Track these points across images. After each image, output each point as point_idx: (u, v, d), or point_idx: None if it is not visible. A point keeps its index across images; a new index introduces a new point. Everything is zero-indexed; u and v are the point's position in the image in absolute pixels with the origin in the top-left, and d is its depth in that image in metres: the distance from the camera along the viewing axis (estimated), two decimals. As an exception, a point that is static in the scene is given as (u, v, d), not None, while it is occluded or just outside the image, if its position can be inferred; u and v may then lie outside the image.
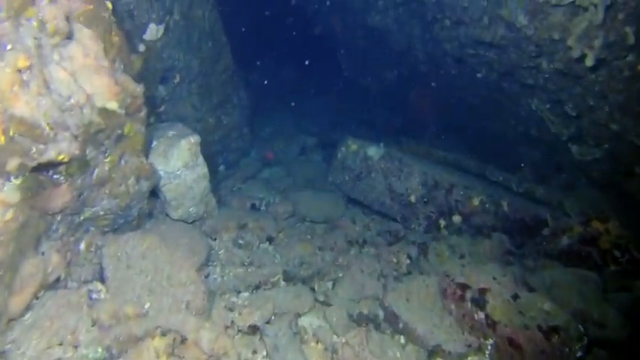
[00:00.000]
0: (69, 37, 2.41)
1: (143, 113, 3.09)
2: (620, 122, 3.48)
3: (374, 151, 5.03)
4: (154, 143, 3.77)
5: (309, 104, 10.31)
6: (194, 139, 3.85)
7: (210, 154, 5.98)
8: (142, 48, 4.24)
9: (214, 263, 3.79)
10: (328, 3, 7.93)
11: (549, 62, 3.62)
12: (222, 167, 6.22)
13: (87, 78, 2.45)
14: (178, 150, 3.77)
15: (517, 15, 3.40)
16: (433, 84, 7.37)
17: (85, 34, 2.44)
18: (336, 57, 10.37)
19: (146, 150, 3.51)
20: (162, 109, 4.85)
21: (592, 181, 4.64)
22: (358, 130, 8.47)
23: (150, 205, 3.90)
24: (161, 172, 3.73)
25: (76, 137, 2.33)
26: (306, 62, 10.23)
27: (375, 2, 6.08)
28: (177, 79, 4.90)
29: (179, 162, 3.78)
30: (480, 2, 3.80)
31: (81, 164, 2.52)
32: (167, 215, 4.02)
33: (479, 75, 5.09)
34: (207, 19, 5.38)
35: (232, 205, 4.88)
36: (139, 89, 2.88)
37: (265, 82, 10.53)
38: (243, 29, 9.59)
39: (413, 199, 4.52)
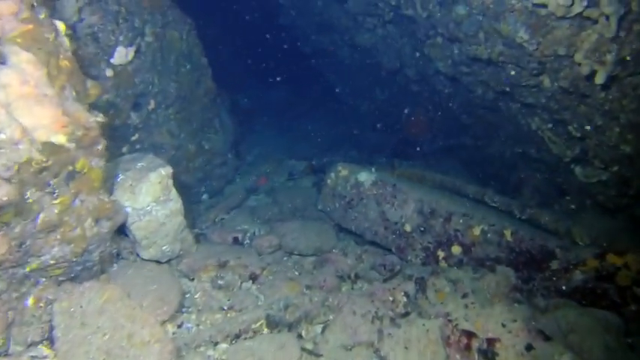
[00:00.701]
0: (2, 61, 2.07)
1: (101, 146, 2.73)
2: (632, 143, 3.18)
3: (365, 177, 4.69)
4: (120, 177, 3.41)
5: (299, 126, 10.03)
6: (165, 171, 3.49)
7: (191, 182, 5.64)
8: (109, 73, 3.92)
9: (190, 309, 3.39)
10: (316, 22, 7.71)
11: (553, 80, 3.34)
12: (205, 196, 5.85)
13: (25, 109, 2.10)
14: (147, 184, 3.41)
15: (517, 30, 3.12)
16: (425, 103, 7.12)
17: (22, 59, 2.10)
18: (325, 77, 10.16)
19: (108, 186, 3.15)
20: (135, 137, 4.50)
21: (598, 205, 4.32)
22: (349, 152, 8.17)
23: (117, 246, 3.51)
24: (128, 209, 3.35)
25: (8, 180, 1.97)
26: (296, 83, 9.99)
27: (363, 20, 5.84)
28: (151, 105, 4.57)
29: (148, 197, 3.41)
30: (476, 17, 3.53)
31: (19, 210, 2.15)
32: (138, 256, 3.63)
33: (474, 94, 4.81)
34: (184, 40, 5.09)
35: (213, 239, 4.50)
36: (92, 120, 2.53)
37: (253, 104, 10.27)
38: (229, 50, 9.38)
39: (408, 228, 4.17)
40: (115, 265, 3.48)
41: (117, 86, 4.05)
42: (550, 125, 3.96)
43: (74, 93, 2.51)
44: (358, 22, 6.15)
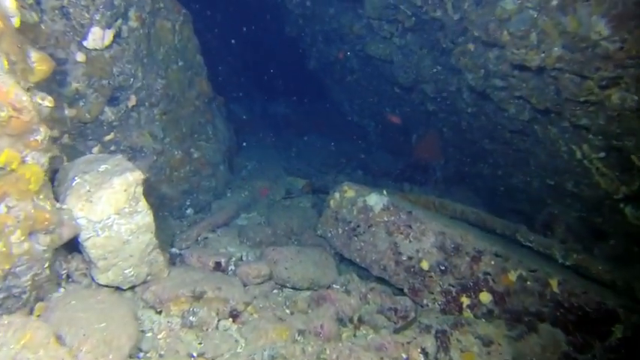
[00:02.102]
0: None
1: (41, 137, 2.06)
2: None
3: (375, 200, 4.02)
4: (76, 181, 2.72)
5: (300, 142, 9.40)
6: (133, 176, 2.81)
7: (174, 194, 4.93)
8: (80, 57, 3.27)
9: (147, 355, 2.66)
10: (325, 31, 7.16)
11: (625, 95, 2.70)
12: (189, 210, 5.15)
13: None
14: (109, 191, 2.72)
15: (593, 24, 2.51)
16: (441, 124, 6.51)
17: None
18: (331, 92, 9.59)
19: (52, 190, 2.46)
20: (110, 136, 3.84)
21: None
22: (354, 174, 7.52)
23: (66, 266, 2.80)
24: (82, 221, 2.66)
25: None
26: (299, 97, 9.42)
27: (379, 27, 5.27)
28: (132, 102, 3.91)
29: (109, 207, 2.72)
30: (529, 12, 2.92)
31: None
32: (93, 280, 2.92)
33: (504, 114, 4.19)
34: (177, 32, 4.48)
35: (192, 262, 3.78)
36: (26, 99, 1.86)
37: (251, 116, 9.66)
38: (228, 57, 8.84)
39: (426, 265, 3.47)
40: (61, 289, 2.77)
41: (89, 74, 3.41)
42: (602, 154, 3.32)
43: (4, 62, 1.84)
44: (373, 30, 5.59)
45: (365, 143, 9.14)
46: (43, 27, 3.01)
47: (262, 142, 8.78)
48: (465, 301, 3.19)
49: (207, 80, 5.33)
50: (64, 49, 3.19)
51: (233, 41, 9.70)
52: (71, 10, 3.12)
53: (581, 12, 2.56)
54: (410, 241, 3.61)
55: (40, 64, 2.17)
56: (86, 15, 3.20)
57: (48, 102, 2.19)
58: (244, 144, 8.06)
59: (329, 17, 6.71)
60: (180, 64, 4.70)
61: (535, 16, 2.92)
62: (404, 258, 3.60)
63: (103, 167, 2.85)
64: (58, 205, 2.45)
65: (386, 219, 3.83)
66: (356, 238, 3.97)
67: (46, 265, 2.30)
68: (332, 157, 8.77)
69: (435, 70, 5.01)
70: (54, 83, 3.25)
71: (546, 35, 2.90)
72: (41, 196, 2.18)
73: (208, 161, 5.31)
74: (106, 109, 3.70)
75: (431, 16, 4.29)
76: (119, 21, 3.50)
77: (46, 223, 2.18)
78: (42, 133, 2.04)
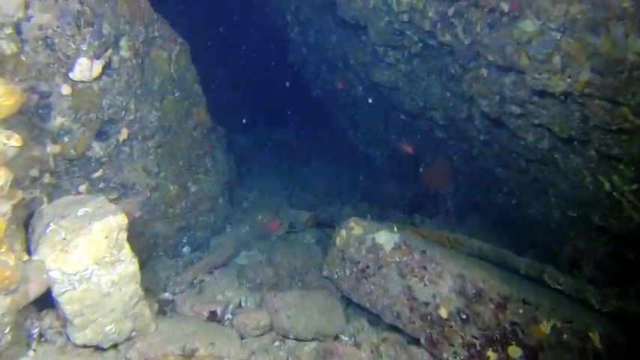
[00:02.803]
0: None
1: (1, 182, 1.77)
2: None
3: (385, 238, 3.69)
4: (51, 227, 2.42)
5: (303, 172, 9.13)
6: (116, 220, 2.51)
7: (169, 232, 4.62)
8: (65, 90, 3.04)
9: None
10: (328, 58, 6.99)
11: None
12: (186, 249, 4.83)
13: None
14: (87, 238, 2.42)
15: (631, 44, 2.24)
16: (450, 152, 6.22)
17: None
18: (335, 120, 9.39)
19: (26, 238, 2.17)
20: (98, 173, 3.56)
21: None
22: (360, 204, 7.19)
23: (38, 324, 2.48)
24: (55, 274, 2.35)
25: None
26: (303, 124, 9.22)
27: (384, 54, 5.06)
28: (123, 135, 3.66)
29: (87, 257, 2.41)
30: (551, 34, 2.67)
31: None
32: (69, 339, 2.59)
33: (521, 142, 3.90)
34: (174, 62, 4.27)
35: (184, 311, 3.44)
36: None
37: (252, 144, 9.44)
38: (229, 84, 8.70)
39: (444, 313, 3.11)
40: (30, 352, 2.44)
41: (75, 108, 3.16)
42: (635, 186, 3.00)
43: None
44: (378, 57, 5.38)
45: (371, 171, 8.85)
46: (24, 58, 2.78)
47: (264, 170, 8.52)
48: (492, 355, 2.82)
49: (206, 110, 5.09)
50: (47, 81, 2.95)
51: (235, 69, 9.59)
52: (56, 41, 2.90)
53: (615, 31, 2.30)
54: (425, 285, 3.26)
55: (6, 98, 1.92)
56: (72, 45, 2.98)
57: (15, 141, 1.93)
58: (247, 173, 7.83)
59: (332, 45, 6.54)
60: (177, 94, 4.48)
61: (558, 37, 2.66)
62: (419, 304, 3.24)
63: (82, 211, 2.56)
64: (26, 257, 2.15)
65: (398, 259, 3.49)
66: (365, 281, 3.62)
67: (7, 330, 1.98)
68: (336, 186, 8.48)
69: (444, 96, 4.76)
70: (36, 118, 3.01)
71: (572, 58, 2.63)
72: (2, 250, 1.88)
73: (207, 195, 5.02)
74: (94, 144, 3.44)
75: (439, 41, 4.07)
76: (109, 51, 3.28)
77: (6, 282, 1.87)
78: (2, 178, 1.76)
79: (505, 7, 3.17)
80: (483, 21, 3.47)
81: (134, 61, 3.62)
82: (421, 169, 7.27)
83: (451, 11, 3.54)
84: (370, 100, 7.02)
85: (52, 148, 3.06)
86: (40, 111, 3.02)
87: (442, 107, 4.92)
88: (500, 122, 3.94)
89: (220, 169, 5.51)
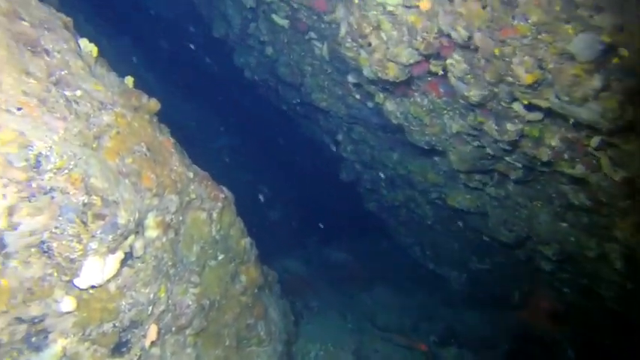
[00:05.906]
0: None
1: None
2: None
3: None
4: None
5: (367, 297, 7.88)
6: None
7: None
8: (67, 305, 2.19)
9: None
10: (388, 176, 6.15)
11: None
12: None
13: None
14: None
15: None
16: (558, 284, 4.92)
17: None
18: (396, 233, 8.34)
19: None
20: (117, 397, 2.59)
21: None
22: (445, 350, 5.82)
23: None
24: None
25: None
26: (361, 244, 8.23)
27: (467, 179, 4.11)
28: (150, 337, 2.74)
29: None
30: None
31: None
32: None
33: None
34: (216, 222, 3.47)
35: None
36: None
37: (308, 269, 8.42)
38: (279, 206, 8.02)
39: None
40: None
41: (83, 324, 2.30)
42: None
43: None
44: (457, 180, 4.43)
45: (446, 295, 7.50)
46: (10, 281, 1.98)
47: (323, 305, 7.35)
48: None
49: (256, 265, 4.19)
50: (41, 301, 2.12)
51: (284, 187, 8.98)
52: (54, 245, 2.12)
53: None
54: None
55: None
56: (78, 246, 2.18)
57: None
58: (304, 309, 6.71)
59: (392, 163, 5.72)
60: (221, 257, 3.61)
61: None
62: None
63: None
64: None
65: None
66: None
67: None
68: (408, 316, 7.15)
69: (559, 228, 3.65)
70: (26, 349, 2.15)
71: None
72: None
73: (259, 377, 3.92)
74: (110, 363, 2.51)
75: (554, 169, 3.08)
76: (129, 239, 2.48)
77: None
78: None
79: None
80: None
81: (164, 240, 2.80)
82: (515, 298, 5.93)
83: (595, 141, 2.59)
84: (442, 218, 5.98)
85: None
86: (32, 339, 2.17)
87: (556, 241, 3.78)
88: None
89: (276, 333, 4.45)
